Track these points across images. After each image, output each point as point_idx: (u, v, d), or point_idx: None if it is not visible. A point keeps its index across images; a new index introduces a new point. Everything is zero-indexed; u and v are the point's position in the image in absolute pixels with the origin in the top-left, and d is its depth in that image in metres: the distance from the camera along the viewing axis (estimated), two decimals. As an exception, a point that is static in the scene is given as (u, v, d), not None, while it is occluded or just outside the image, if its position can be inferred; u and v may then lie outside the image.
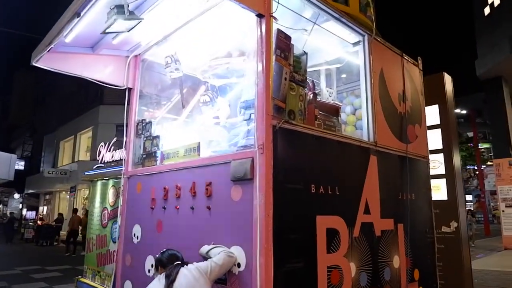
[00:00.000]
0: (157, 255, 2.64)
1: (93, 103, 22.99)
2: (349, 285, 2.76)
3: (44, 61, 3.43)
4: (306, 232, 2.52)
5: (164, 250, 2.65)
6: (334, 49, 3.84)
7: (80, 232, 15.54)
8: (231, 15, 3.23)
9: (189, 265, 2.48)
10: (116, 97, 20.82)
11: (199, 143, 3.01)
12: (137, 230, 3.50)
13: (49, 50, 3.17)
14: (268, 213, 2.25)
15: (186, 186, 2.94)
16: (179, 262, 2.52)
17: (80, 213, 22.67)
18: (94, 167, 9.51)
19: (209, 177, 2.74)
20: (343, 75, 4.30)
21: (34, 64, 3.42)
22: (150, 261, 3.22)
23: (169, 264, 2.51)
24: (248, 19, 3.07)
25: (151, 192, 3.36)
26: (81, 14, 2.65)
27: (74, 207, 22.23)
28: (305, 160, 2.62)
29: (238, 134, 2.88)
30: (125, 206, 3.79)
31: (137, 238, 3.48)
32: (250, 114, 2.68)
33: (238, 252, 2.42)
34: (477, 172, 26.50)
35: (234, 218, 2.47)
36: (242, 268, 2.38)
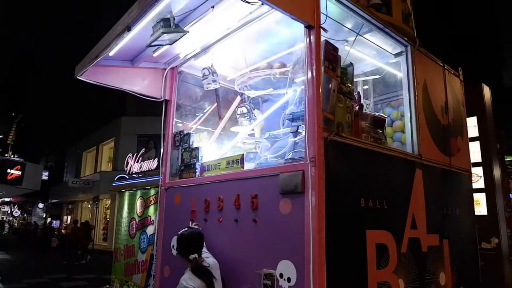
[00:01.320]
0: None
1: (115, 115, 23.39)
2: (398, 302, 2.67)
3: (88, 74, 3.50)
4: (356, 247, 2.46)
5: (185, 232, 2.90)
6: (373, 60, 3.79)
7: (80, 241, 16.01)
8: (272, 26, 3.24)
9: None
10: (138, 108, 21.18)
11: (243, 155, 2.99)
12: (176, 241, 3.48)
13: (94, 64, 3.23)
14: (321, 227, 2.21)
15: (230, 198, 2.91)
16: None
17: (102, 223, 23.07)
18: (116, 177, 9.67)
19: (254, 189, 2.71)
20: (380, 87, 4.24)
21: (78, 77, 3.49)
22: (190, 273, 3.19)
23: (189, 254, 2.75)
24: (292, 31, 3.10)
25: (191, 204, 3.35)
26: (131, 28, 2.69)
27: (96, 216, 22.59)
28: (354, 173, 2.57)
29: (283, 146, 2.85)
30: (162, 217, 3.79)
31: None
32: (298, 126, 2.65)
33: (287, 267, 2.37)
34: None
35: (283, 231, 2.43)
36: (292, 283, 2.32)
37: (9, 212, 45.83)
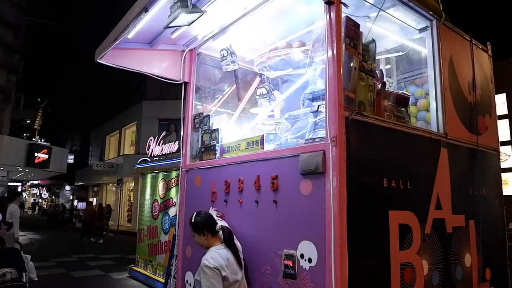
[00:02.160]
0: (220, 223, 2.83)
1: (136, 99, 23.67)
2: (422, 283, 2.64)
3: (107, 57, 3.51)
4: (379, 228, 2.42)
5: (198, 213, 2.83)
6: (396, 36, 3.66)
7: (93, 222, 17.00)
8: (291, 4, 3.16)
9: None
10: (158, 92, 21.38)
11: (263, 136, 2.96)
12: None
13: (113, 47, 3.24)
14: (342, 208, 2.18)
15: (250, 179, 2.91)
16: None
17: (126, 205, 23.67)
18: (139, 160, 9.83)
19: (274, 170, 2.69)
20: (403, 64, 4.11)
21: (98, 61, 3.51)
22: (212, 254, 3.24)
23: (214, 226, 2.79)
24: (311, 8, 3.01)
25: (212, 186, 3.37)
26: (149, 9, 2.66)
27: (120, 199, 23.19)
28: (377, 152, 2.51)
29: (304, 126, 2.81)
30: (184, 199, 3.83)
31: (198, 231, 3.50)
32: (319, 105, 2.60)
33: (308, 247, 2.36)
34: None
35: (304, 212, 2.41)
36: (313, 263, 2.32)
37: (38, 194, 47.64)
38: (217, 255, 2.55)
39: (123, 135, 26.04)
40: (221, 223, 2.89)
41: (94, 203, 30.37)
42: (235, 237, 2.81)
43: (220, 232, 2.77)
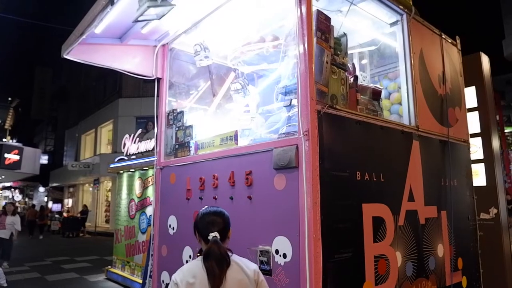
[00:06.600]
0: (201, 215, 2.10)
1: (112, 97, 23.19)
2: (396, 274, 2.67)
3: (75, 53, 3.40)
4: (353, 221, 2.43)
5: (206, 211, 2.13)
6: (368, 31, 3.69)
7: (35, 222, 19.38)
8: (263, -2, 3.13)
9: (242, 260, 2.04)
10: (135, 89, 21.01)
11: (237, 131, 2.93)
12: (172, 221, 3.47)
13: (80, 42, 3.13)
14: (316, 202, 2.17)
15: (224, 175, 2.87)
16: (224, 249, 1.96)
17: (104, 205, 23.29)
18: (116, 159, 9.62)
19: (248, 166, 2.67)
20: (376, 58, 4.15)
21: (65, 56, 3.39)
22: (188, 252, 3.19)
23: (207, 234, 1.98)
24: (283, 1, 2.98)
25: (186, 183, 3.32)
26: (115, 1, 2.58)
27: (97, 199, 22.74)
28: (350, 146, 2.51)
29: (277, 121, 2.79)
30: (159, 197, 3.77)
31: (173, 229, 3.45)
32: (291, 99, 2.58)
33: (283, 243, 2.35)
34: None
35: (278, 207, 2.40)
36: (288, 259, 2.31)
37: (10, 197, 46.06)
38: (185, 269, 2.00)
39: (99, 133, 25.48)
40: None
41: (70, 205, 29.74)
42: (239, 260, 2.05)
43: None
